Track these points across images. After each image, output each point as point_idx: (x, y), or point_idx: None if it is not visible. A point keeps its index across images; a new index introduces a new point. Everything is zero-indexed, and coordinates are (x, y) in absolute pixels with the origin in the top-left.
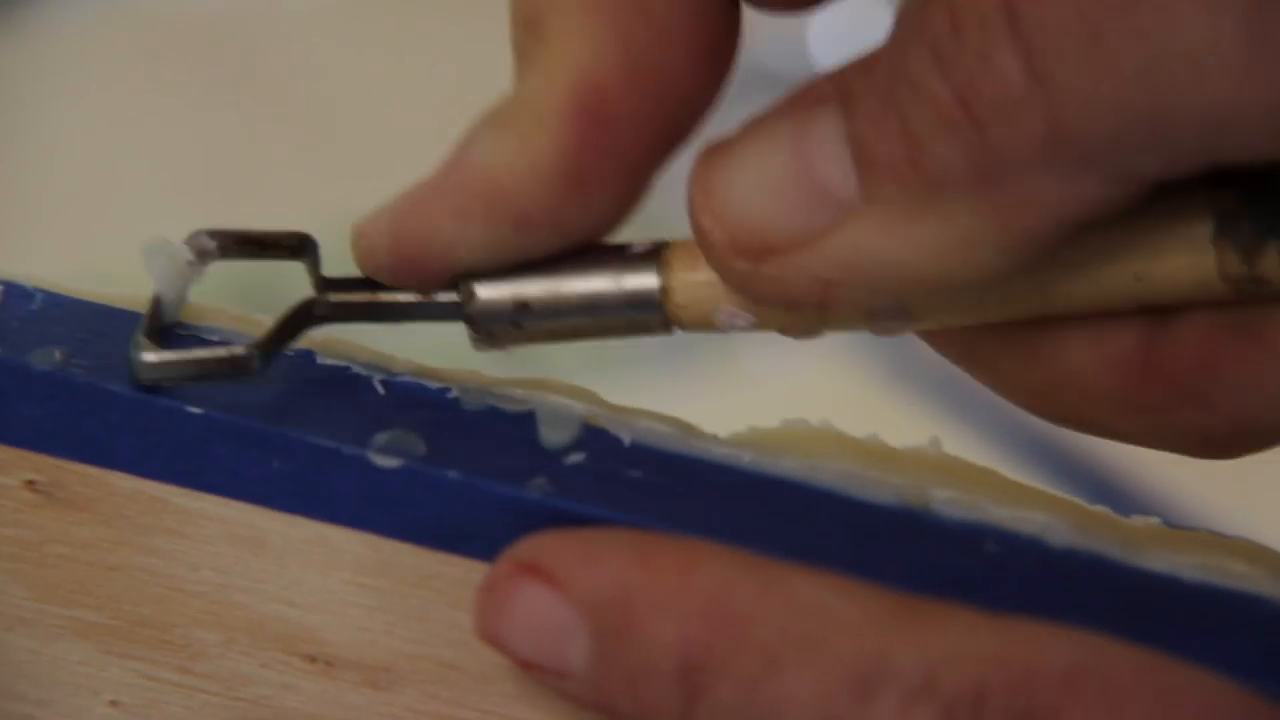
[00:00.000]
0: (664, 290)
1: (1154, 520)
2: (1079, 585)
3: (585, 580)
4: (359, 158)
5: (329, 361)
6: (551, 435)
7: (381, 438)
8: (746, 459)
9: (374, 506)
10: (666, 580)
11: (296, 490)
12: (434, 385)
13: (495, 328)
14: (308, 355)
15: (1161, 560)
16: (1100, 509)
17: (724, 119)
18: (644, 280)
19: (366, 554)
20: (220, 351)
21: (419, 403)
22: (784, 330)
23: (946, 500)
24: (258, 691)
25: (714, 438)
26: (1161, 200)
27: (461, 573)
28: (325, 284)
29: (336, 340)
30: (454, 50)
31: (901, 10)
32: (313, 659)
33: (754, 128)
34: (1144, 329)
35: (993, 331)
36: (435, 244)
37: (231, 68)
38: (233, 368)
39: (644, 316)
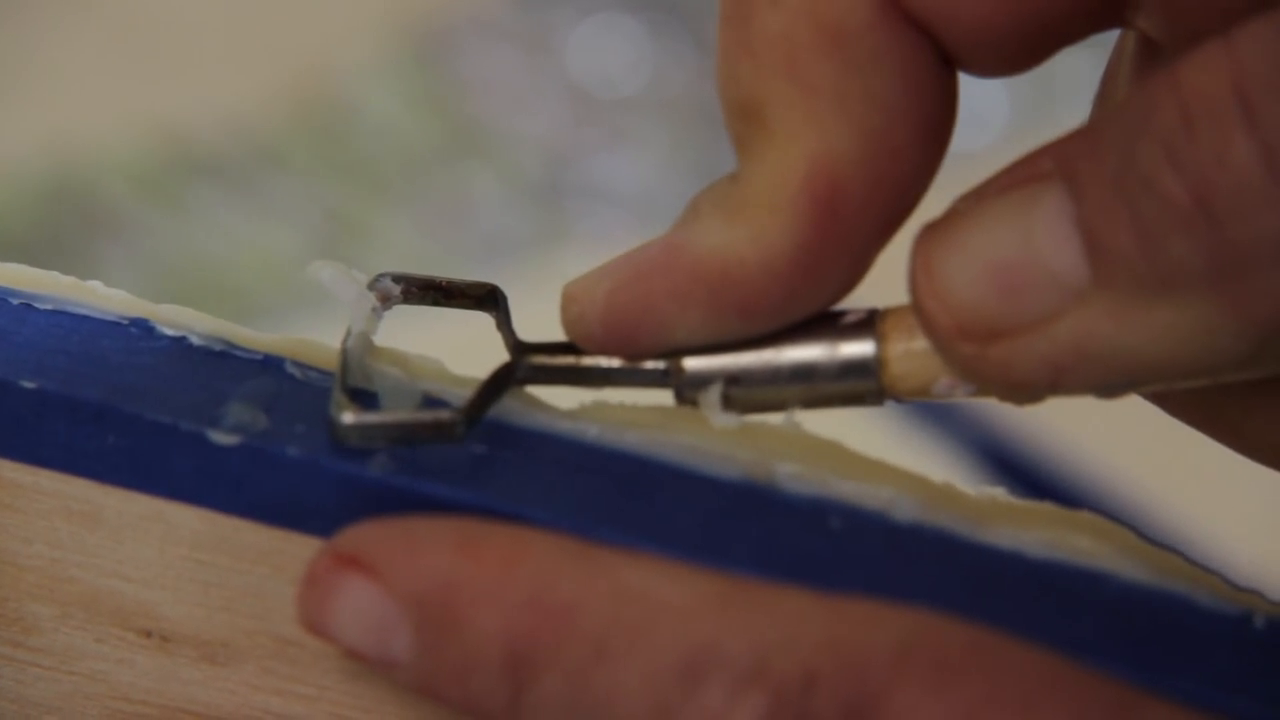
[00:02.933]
0: (880, 361)
1: (999, 492)
2: (924, 561)
3: (407, 572)
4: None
5: (169, 332)
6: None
7: (220, 413)
8: (592, 433)
9: (212, 483)
10: (490, 571)
11: (133, 466)
12: (275, 357)
13: (703, 398)
14: (145, 325)
15: (1007, 536)
16: (946, 482)
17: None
18: (859, 349)
19: (204, 530)
20: (425, 416)
21: (259, 376)
22: (1005, 399)
23: (792, 475)
24: (93, 666)
25: (560, 410)
26: None
27: (302, 550)
28: (521, 346)
29: (175, 309)
30: None
31: (1107, 82)
32: (148, 634)
33: (975, 206)
34: None
35: (1230, 394)
36: (650, 322)
37: None
38: (436, 433)
39: (858, 385)
